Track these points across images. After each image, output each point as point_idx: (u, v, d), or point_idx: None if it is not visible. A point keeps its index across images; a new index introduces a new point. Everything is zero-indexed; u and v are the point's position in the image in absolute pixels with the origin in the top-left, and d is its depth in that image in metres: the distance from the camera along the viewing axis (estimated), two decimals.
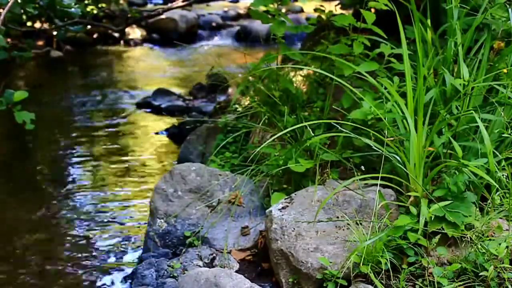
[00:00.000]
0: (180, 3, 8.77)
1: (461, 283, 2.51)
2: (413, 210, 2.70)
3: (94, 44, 10.06)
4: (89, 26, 9.31)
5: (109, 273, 3.48)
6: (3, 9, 4.46)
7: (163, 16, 10.12)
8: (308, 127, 3.19)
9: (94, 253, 3.72)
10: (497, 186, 2.66)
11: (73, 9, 6.09)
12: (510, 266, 2.50)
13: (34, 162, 5.23)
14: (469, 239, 2.62)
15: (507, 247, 2.49)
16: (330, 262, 2.64)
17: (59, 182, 4.82)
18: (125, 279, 3.38)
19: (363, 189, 2.96)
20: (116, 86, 7.76)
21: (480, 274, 2.50)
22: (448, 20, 3.38)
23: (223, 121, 4.27)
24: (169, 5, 9.45)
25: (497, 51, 3.30)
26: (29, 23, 8.42)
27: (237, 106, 4.19)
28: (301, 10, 12.34)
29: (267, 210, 3.02)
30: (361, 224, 2.80)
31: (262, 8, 4.04)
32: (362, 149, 3.21)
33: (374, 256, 2.57)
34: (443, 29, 3.55)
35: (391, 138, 2.90)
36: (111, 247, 3.80)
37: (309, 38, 4.96)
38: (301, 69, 4.04)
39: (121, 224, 4.11)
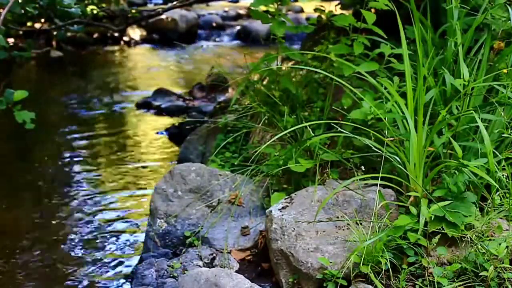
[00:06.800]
0: (180, 3, 8.76)
1: (461, 283, 2.51)
2: (413, 210, 2.70)
3: (94, 44, 10.07)
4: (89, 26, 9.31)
5: (109, 273, 3.48)
6: (3, 9, 4.45)
7: (163, 16, 10.12)
8: (308, 127, 3.19)
9: (94, 253, 3.72)
10: (497, 186, 2.66)
11: (73, 9, 6.09)
12: (510, 266, 2.49)
13: (34, 162, 5.23)
14: (469, 239, 2.61)
15: (507, 247, 2.49)
16: (330, 262, 2.64)
17: (59, 182, 4.82)
18: (125, 279, 3.39)
19: (363, 189, 2.96)
20: (116, 86, 7.77)
21: (480, 274, 2.50)
22: (448, 20, 3.38)
23: (223, 121, 4.27)
24: (169, 5, 9.44)
25: (497, 51, 3.30)
26: (29, 23, 8.42)
27: (237, 106, 4.19)
28: (301, 10, 12.35)
29: (267, 210, 3.02)
30: (361, 224, 2.80)
31: (262, 8, 4.04)
32: (362, 149, 3.21)
33: (374, 256, 2.57)
34: (443, 29, 3.55)
35: (391, 138, 2.90)
36: (111, 247, 3.80)
37: (309, 38, 4.96)
38: (301, 69, 4.04)
39: (121, 224, 4.11)
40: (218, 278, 2.62)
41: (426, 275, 2.59)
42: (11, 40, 7.82)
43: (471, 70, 3.19)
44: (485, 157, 2.74)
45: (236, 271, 2.98)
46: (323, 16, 4.23)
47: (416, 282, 2.59)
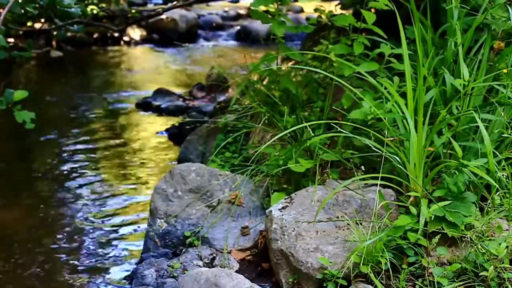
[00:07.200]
0: (180, 3, 8.76)
1: (461, 283, 2.51)
2: (413, 210, 2.70)
3: (94, 44, 10.07)
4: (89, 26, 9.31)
5: (109, 273, 3.48)
6: (3, 9, 4.46)
7: (163, 16, 10.12)
8: (308, 127, 3.19)
9: (94, 253, 3.72)
10: (497, 186, 2.66)
11: (73, 9, 6.09)
12: (510, 266, 2.50)
13: (34, 162, 5.23)
14: (469, 239, 2.61)
15: (507, 247, 2.49)
16: (330, 262, 2.64)
17: (59, 182, 4.82)
18: (125, 279, 3.38)
19: (363, 189, 2.96)
20: (116, 86, 7.77)
21: (480, 274, 2.50)
22: (448, 20, 3.38)
23: (223, 121, 4.27)
24: (169, 5, 9.45)
25: (497, 51, 3.30)
26: (29, 23, 8.43)
27: (237, 106, 4.19)
28: (301, 10, 12.36)
29: (267, 210, 3.02)
30: (361, 224, 2.80)
31: (262, 8, 4.04)
32: (362, 149, 3.21)
33: (374, 256, 2.57)
34: (443, 29, 3.55)
35: (391, 138, 2.90)
36: (111, 247, 3.80)
37: (309, 38, 4.96)
38: (301, 69, 4.04)
39: (121, 224, 4.11)
40: (218, 278, 2.62)
41: (426, 275, 2.59)
42: (11, 40, 7.83)
43: (471, 70, 3.19)
44: (485, 157, 2.74)
45: (236, 271, 2.98)
46: (323, 16, 4.23)
47: (416, 282, 2.59)
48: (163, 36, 10.39)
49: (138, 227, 4.05)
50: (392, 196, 2.92)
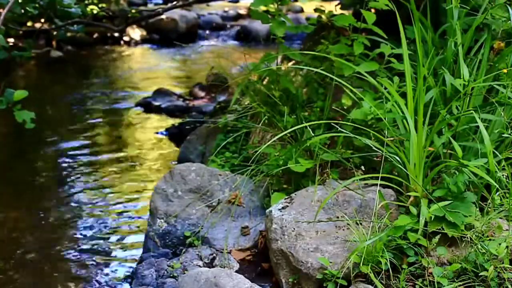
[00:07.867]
0: (180, 3, 8.76)
1: (461, 283, 2.51)
2: (413, 210, 2.70)
3: (94, 44, 10.07)
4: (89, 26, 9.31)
5: (109, 273, 3.48)
6: (3, 9, 4.46)
7: (163, 16, 10.12)
8: (308, 127, 3.19)
9: (93, 253, 3.72)
10: (497, 186, 2.66)
11: (73, 9, 6.10)
12: (510, 266, 2.50)
13: (34, 162, 5.23)
14: (469, 239, 2.62)
15: (507, 247, 2.49)
16: (330, 262, 2.64)
17: (59, 182, 4.82)
18: (125, 279, 3.39)
19: (363, 189, 2.96)
20: (116, 86, 7.77)
21: (480, 274, 2.50)
22: (448, 20, 3.38)
23: (223, 121, 4.27)
24: (169, 5, 9.45)
25: (497, 51, 3.30)
26: (29, 23, 8.43)
27: (237, 106, 4.19)
28: (301, 10, 12.35)
29: (267, 210, 3.02)
30: (361, 224, 2.80)
31: (262, 8, 4.04)
32: (362, 149, 3.21)
33: (374, 256, 2.57)
34: (443, 29, 3.55)
35: (391, 138, 2.90)
36: (111, 247, 3.80)
37: (309, 38, 4.96)
38: (301, 69, 4.04)
39: (121, 224, 4.11)
40: (218, 278, 2.62)
41: (426, 275, 2.59)
42: (11, 40, 7.83)
43: (471, 70, 3.19)
44: (485, 157, 2.74)
45: (236, 271, 2.99)
46: (323, 16, 4.23)
47: (416, 282, 2.59)
48: (163, 36, 10.39)
49: (138, 227, 4.05)
50: (392, 196, 2.92)
